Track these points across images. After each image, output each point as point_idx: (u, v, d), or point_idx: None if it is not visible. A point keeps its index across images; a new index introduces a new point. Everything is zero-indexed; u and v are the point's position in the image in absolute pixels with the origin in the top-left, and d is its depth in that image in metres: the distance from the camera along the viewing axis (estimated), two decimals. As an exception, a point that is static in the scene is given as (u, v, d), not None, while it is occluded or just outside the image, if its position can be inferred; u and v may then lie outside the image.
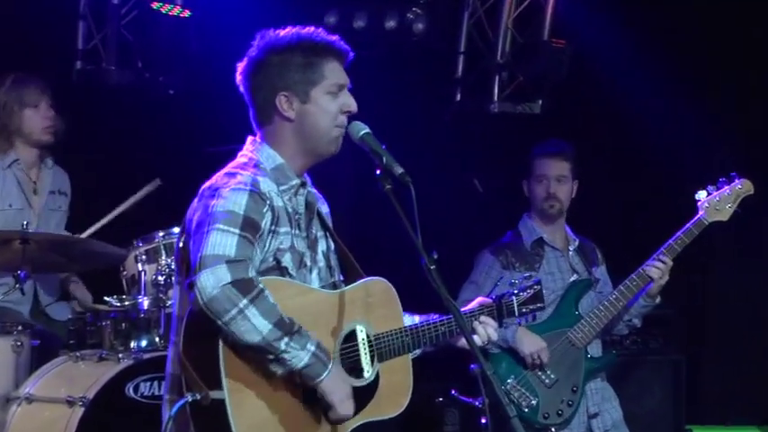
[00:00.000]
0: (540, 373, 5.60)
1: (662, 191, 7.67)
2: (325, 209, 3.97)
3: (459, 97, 7.95)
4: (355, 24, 7.41)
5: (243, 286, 3.46)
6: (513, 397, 5.52)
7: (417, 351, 3.92)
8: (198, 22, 7.12)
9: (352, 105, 3.79)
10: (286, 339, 3.48)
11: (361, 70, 3.90)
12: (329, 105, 3.75)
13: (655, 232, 5.81)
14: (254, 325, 3.45)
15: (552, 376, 5.61)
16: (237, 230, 3.54)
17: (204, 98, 6.97)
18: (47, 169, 6.19)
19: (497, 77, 7.86)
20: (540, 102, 7.84)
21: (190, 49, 7.16)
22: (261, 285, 3.50)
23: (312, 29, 3.78)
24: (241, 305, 3.44)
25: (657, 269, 5.56)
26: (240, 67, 3.79)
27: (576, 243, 5.90)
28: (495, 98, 7.86)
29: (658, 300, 5.70)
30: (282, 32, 3.77)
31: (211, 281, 3.44)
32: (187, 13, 7.08)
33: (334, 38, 3.79)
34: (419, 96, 7.74)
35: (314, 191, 3.89)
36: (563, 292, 5.74)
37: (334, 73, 3.76)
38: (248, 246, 3.55)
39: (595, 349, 5.76)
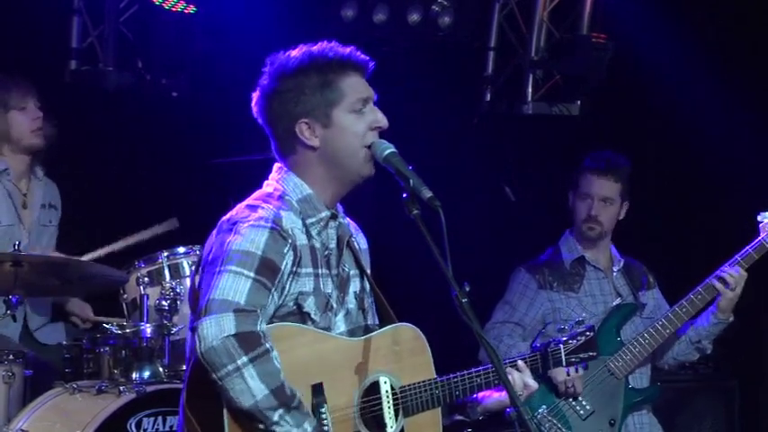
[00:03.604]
0: (574, 403, 5.63)
1: (716, 209, 7.65)
2: (363, 244, 3.94)
3: (488, 97, 7.91)
4: (375, 18, 7.40)
5: (246, 341, 3.43)
6: (543, 428, 5.54)
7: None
8: (204, 19, 7.12)
9: (382, 121, 3.75)
10: (281, 411, 3.44)
11: (382, 69, 3.87)
12: (355, 125, 3.72)
13: (707, 255, 5.80)
14: (249, 387, 3.41)
15: (588, 407, 5.63)
16: (252, 274, 3.52)
17: (211, 103, 7.05)
18: (37, 180, 6.22)
19: (531, 76, 7.83)
20: (579, 103, 7.80)
21: (195, 48, 7.21)
22: (267, 345, 3.45)
23: (324, 44, 3.75)
24: (239, 362, 3.41)
25: (732, 277, 5.50)
26: (254, 98, 3.77)
27: (622, 264, 5.92)
28: (529, 98, 7.82)
29: (731, 318, 5.65)
30: (293, 53, 3.73)
31: (213, 330, 3.42)
32: (192, 9, 7.08)
33: (349, 49, 3.76)
34: (445, 97, 7.68)
35: (347, 222, 3.87)
36: (605, 316, 5.76)
37: (354, 88, 3.74)
38: (262, 291, 3.53)
39: (639, 380, 5.78)
